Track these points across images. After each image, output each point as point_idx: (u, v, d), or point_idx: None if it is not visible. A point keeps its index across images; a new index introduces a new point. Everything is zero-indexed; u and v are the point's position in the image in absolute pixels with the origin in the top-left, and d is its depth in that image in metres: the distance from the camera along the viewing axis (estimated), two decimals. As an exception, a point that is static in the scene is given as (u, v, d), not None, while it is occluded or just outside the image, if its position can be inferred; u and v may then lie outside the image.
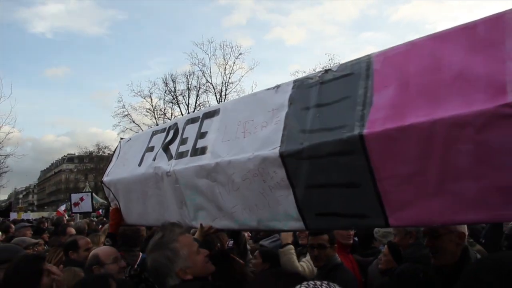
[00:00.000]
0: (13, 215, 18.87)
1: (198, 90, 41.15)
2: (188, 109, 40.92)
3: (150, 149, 3.33)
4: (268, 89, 2.61)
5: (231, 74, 40.62)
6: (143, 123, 40.98)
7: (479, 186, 1.64)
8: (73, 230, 6.38)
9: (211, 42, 40.44)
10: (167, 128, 3.30)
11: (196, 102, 41.21)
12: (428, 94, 1.74)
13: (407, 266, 2.72)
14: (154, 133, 3.44)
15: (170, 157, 3.06)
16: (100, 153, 52.62)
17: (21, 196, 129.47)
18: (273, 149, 2.27)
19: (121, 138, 4.16)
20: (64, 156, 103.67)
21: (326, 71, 2.27)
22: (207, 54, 41.15)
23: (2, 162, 32.22)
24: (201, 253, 2.28)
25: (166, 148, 3.15)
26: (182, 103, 41.69)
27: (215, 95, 40.66)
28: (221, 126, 2.77)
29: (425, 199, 1.80)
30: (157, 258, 2.19)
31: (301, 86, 2.36)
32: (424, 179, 1.76)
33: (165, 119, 40.02)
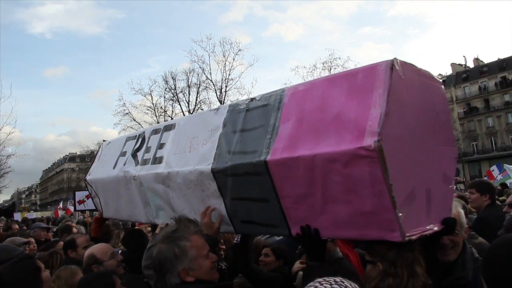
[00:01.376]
0: (17, 216, 18.65)
1: (199, 87, 40.49)
2: (188, 106, 40.70)
3: (123, 154, 3.65)
4: (211, 110, 2.88)
5: (231, 71, 39.86)
6: (144, 121, 40.53)
7: (348, 210, 1.90)
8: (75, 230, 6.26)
9: (210, 39, 39.97)
10: (137, 136, 3.61)
11: (196, 99, 40.72)
12: (314, 130, 1.99)
13: None
14: (128, 139, 3.75)
15: (136, 163, 3.38)
16: (102, 152, 53.29)
17: (23, 196, 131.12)
18: (208, 165, 2.56)
19: (104, 141, 4.48)
20: (66, 155, 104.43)
21: (252, 99, 2.52)
22: (207, 51, 40.74)
23: (4, 163, 32.69)
24: (209, 258, 2.10)
25: (134, 154, 3.46)
26: (183, 101, 41.21)
27: (215, 92, 40.01)
28: (175, 139, 3.06)
29: (314, 217, 2.07)
30: (164, 251, 2.01)
31: (233, 111, 2.62)
32: (312, 200, 2.03)
33: (166, 117, 39.78)
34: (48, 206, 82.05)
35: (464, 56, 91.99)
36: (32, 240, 5.34)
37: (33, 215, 21.94)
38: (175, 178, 2.88)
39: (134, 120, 40.09)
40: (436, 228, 2.03)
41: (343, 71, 2.12)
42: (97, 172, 3.96)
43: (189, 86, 40.72)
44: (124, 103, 40.13)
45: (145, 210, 3.37)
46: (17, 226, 10.09)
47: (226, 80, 39.76)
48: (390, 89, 1.79)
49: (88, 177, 4.03)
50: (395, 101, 1.82)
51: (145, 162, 3.29)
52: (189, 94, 41.00)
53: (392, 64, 1.84)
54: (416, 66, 2.04)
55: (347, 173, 1.83)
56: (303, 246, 2.54)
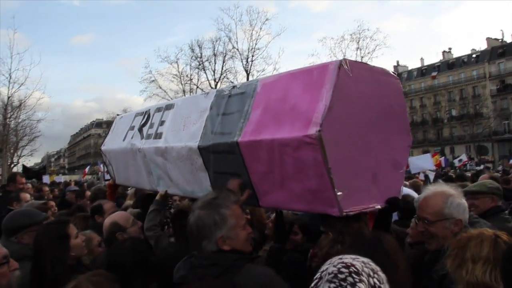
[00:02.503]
0: (46, 178, 18.83)
1: (225, 56, 40.34)
2: (214, 75, 40.70)
3: (131, 128, 4.08)
4: (202, 93, 3.22)
5: (258, 40, 39.52)
6: (170, 89, 40.93)
7: (300, 187, 2.24)
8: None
9: (237, 7, 39.32)
10: (144, 113, 4.01)
11: (222, 68, 40.65)
12: (275, 118, 2.31)
13: None
14: (136, 115, 4.17)
15: (142, 137, 3.80)
16: (128, 118, 53.77)
17: (53, 159, 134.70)
18: (195, 142, 2.93)
19: (118, 115, 4.92)
20: (93, 121, 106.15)
21: (233, 87, 2.85)
22: (233, 19, 40.39)
23: (35, 127, 33.97)
24: (246, 229, 2.10)
25: (140, 129, 3.88)
26: (209, 69, 41.13)
27: (241, 61, 39.97)
28: (173, 118, 3.44)
29: (276, 191, 2.43)
30: (203, 217, 2.00)
31: (219, 96, 2.95)
32: (273, 177, 2.38)
33: (191, 85, 40.22)
34: (76, 170, 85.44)
35: (501, 30, 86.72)
36: (53, 203, 5.71)
37: (61, 178, 22.99)
38: (171, 152, 3.27)
39: (160, 88, 40.60)
40: (378, 206, 2.33)
41: (303, 68, 2.40)
42: (110, 143, 4.43)
43: (215, 55, 40.73)
44: (150, 71, 40.62)
45: (149, 179, 3.81)
46: (47, 188, 10.61)
47: (253, 49, 39.67)
48: (336, 85, 2.07)
49: (103, 147, 4.51)
50: (341, 96, 2.10)
51: (148, 136, 3.70)
52: (215, 63, 41.06)
53: (340, 64, 2.11)
54: (368, 65, 2.30)
55: (297, 156, 2.15)
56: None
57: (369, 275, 1.35)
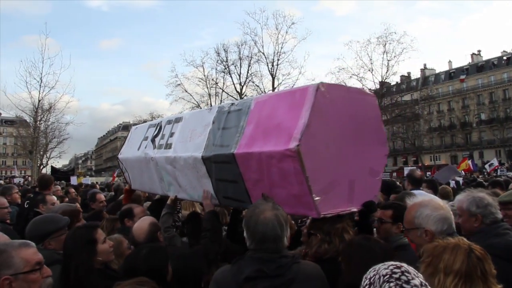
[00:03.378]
0: (74, 180, 19.47)
1: (250, 60, 41.28)
2: (240, 79, 41.58)
3: (145, 138, 4.56)
4: (207, 109, 3.66)
5: (283, 44, 40.39)
6: (196, 93, 42.18)
7: (285, 192, 2.63)
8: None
9: (263, 11, 39.87)
10: (156, 124, 4.49)
11: (248, 72, 41.48)
12: (264, 133, 2.72)
13: None
14: (150, 126, 4.66)
15: (154, 147, 4.27)
16: (154, 122, 54.74)
17: (80, 161, 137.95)
18: (199, 153, 3.37)
19: (133, 126, 5.42)
20: (120, 124, 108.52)
21: (232, 104, 3.27)
22: (259, 23, 41.11)
23: (63, 130, 35.50)
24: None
25: (153, 139, 4.36)
26: (234, 73, 42.06)
27: (267, 65, 40.74)
28: (181, 130, 3.89)
29: (269, 195, 2.82)
30: (280, 217, 2.26)
31: (220, 111, 3.39)
32: (263, 183, 2.78)
33: (217, 89, 41.34)
34: (103, 172, 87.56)
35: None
36: (77, 206, 5.70)
37: (89, 180, 23.82)
38: (179, 161, 3.72)
39: (186, 91, 41.86)
40: (354, 209, 2.70)
41: (288, 89, 2.80)
42: (126, 152, 4.93)
43: (240, 59, 41.71)
44: (176, 74, 42.84)
45: (161, 185, 4.28)
46: (73, 190, 10.84)
47: (278, 53, 40.55)
48: (313, 105, 2.46)
49: (120, 156, 5.02)
50: (318, 114, 2.49)
51: (160, 146, 4.17)
52: (240, 67, 42.04)
53: (317, 87, 2.50)
54: (345, 86, 2.69)
55: (281, 166, 2.55)
56: None
57: (415, 275, 1.55)
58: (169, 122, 4.26)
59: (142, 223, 3.38)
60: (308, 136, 2.42)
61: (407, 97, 50.75)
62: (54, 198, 5.79)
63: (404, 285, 1.48)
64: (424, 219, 2.56)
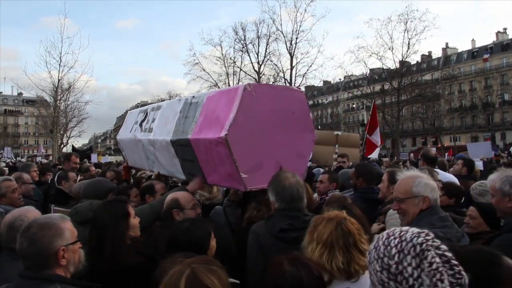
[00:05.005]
0: (94, 158, 20.12)
1: (268, 39, 41.24)
2: (258, 57, 41.58)
3: (136, 122, 5.30)
4: (178, 99, 4.34)
5: (302, 22, 40.20)
6: (213, 71, 42.45)
7: (223, 170, 3.31)
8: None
9: None
10: (144, 111, 5.21)
11: (266, 51, 41.42)
12: (208, 123, 3.37)
13: None
14: (140, 112, 5.38)
15: (141, 130, 5.00)
16: (172, 101, 54.00)
17: (99, 140, 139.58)
18: (169, 137, 4.06)
19: (129, 110, 6.16)
20: (138, 103, 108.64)
21: (193, 97, 3.93)
22: (278, 1, 40.77)
23: (83, 109, 36.40)
24: None
25: (140, 124, 5.09)
26: (252, 52, 42.10)
27: (285, 44, 40.57)
28: (160, 117, 4.59)
29: (213, 173, 3.51)
30: (301, 183, 2.94)
31: (185, 102, 4.05)
32: (210, 163, 3.45)
33: (234, 68, 41.58)
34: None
35: None
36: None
37: (108, 158, 24.63)
38: (157, 143, 4.43)
39: (204, 70, 42.08)
40: None
41: (227, 88, 3.42)
42: (122, 133, 5.70)
43: (258, 37, 41.66)
44: (194, 53, 43.28)
45: (147, 162, 5.02)
46: (94, 168, 10.87)
47: (297, 31, 40.21)
48: (240, 102, 3.09)
49: (117, 137, 5.80)
50: (245, 109, 3.11)
51: (145, 130, 4.89)
52: (258, 46, 41.98)
53: (244, 87, 3.13)
54: (271, 85, 3.32)
55: (217, 150, 3.21)
56: None
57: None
58: (153, 109, 4.97)
59: (168, 197, 3.45)
60: (235, 127, 3.06)
61: (427, 77, 49.61)
62: (75, 174, 5.94)
63: (446, 253, 1.41)
64: (423, 187, 2.73)
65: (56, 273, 2.07)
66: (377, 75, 44.82)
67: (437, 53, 58.75)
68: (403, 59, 39.36)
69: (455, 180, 5.11)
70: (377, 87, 47.60)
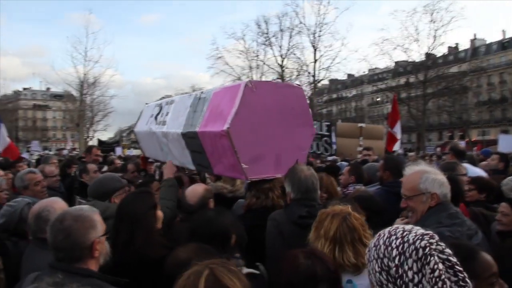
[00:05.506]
0: (119, 150, 20.56)
1: (291, 32, 40.68)
2: (281, 50, 41.21)
3: (151, 115, 5.62)
4: (189, 94, 4.61)
5: (325, 15, 39.31)
6: (237, 65, 42.30)
7: (226, 161, 3.56)
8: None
9: None
10: (160, 105, 5.52)
11: (289, 44, 40.94)
12: (214, 117, 3.63)
13: None
14: (155, 105, 5.69)
15: (156, 123, 5.32)
16: (195, 95, 53.38)
17: (124, 134, 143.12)
18: (180, 130, 4.34)
19: (146, 104, 6.49)
20: (162, 97, 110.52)
21: (202, 92, 4.19)
22: None
23: (108, 103, 37.19)
24: None
25: (156, 117, 5.40)
26: (275, 45, 41.61)
27: (308, 37, 40.06)
28: (173, 111, 4.88)
29: (218, 164, 3.77)
30: (315, 174, 3.21)
31: (195, 98, 4.31)
32: (215, 154, 3.72)
33: (258, 61, 41.44)
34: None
35: None
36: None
37: (132, 152, 25.20)
38: (169, 135, 4.73)
39: (227, 64, 41.94)
40: (279, 175, 3.57)
41: (231, 84, 3.65)
42: (139, 126, 6.04)
43: (281, 30, 41.17)
44: (217, 47, 41.99)
45: (162, 153, 5.34)
46: (118, 161, 10.81)
47: (320, 24, 39.59)
48: (242, 98, 3.33)
49: (135, 129, 6.15)
50: (246, 105, 3.34)
51: (159, 123, 5.20)
52: (281, 39, 41.48)
53: (246, 84, 3.36)
54: (272, 82, 3.50)
55: (221, 142, 3.46)
56: None
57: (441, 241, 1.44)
58: (167, 103, 5.27)
59: (197, 187, 3.55)
60: (237, 121, 3.30)
61: (454, 69, 48.13)
62: (95, 166, 6.07)
63: (450, 257, 1.36)
64: (431, 183, 2.62)
65: (88, 265, 2.09)
66: (402, 68, 43.99)
67: (464, 45, 56.93)
68: (429, 51, 38.57)
69: (484, 175, 5.04)
70: (402, 80, 46.62)
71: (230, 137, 3.27)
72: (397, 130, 10.56)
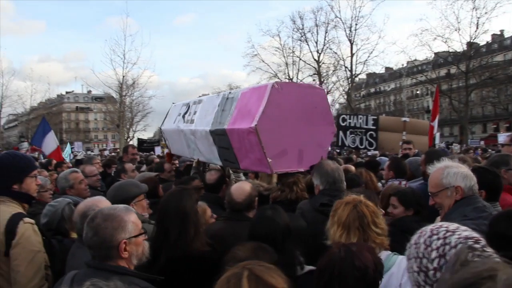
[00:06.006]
0: (158, 150, 20.74)
1: (327, 26, 40.68)
2: (317, 46, 41.35)
3: (178, 114, 6.01)
4: (216, 94, 4.96)
5: (361, 8, 39.01)
6: (273, 62, 42.40)
7: (253, 156, 3.91)
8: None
9: None
10: (187, 104, 5.89)
11: (325, 39, 41.01)
12: (242, 115, 4.00)
13: None
14: (183, 105, 6.08)
15: (183, 121, 5.70)
16: (233, 92, 54.06)
17: None
18: (208, 128, 4.70)
19: (173, 103, 6.87)
20: (199, 96, 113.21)
21: (230, 92, 4.53)
22: None
23: (147, 103, 38.26)
24: None
25: (183, 116, 5.80)
26: (311, 40, 41.80)
27: (345, 31, 39.80)
28: (200, 110, 5.27)
29: (244, 159, 4.12)
30: (340, 167, 3.66)
31: (223, 98, 4.69)
32: (242, 150, 4.08)
33: (294, 57, 41.70)
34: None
35: None
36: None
37: None
38: (197, 133, 5.11)
39: (263, 61, 42.40)
40: (301, 170, 3.87)
41: (258, 85, 3.97)
42: (166, 124, 6.45)
43: (317, 25, 41.34)
44: (252, 45, 44.36)
45: (188, 150, 5.72)
46: (157, 160, 10.32)
47: (356, 17, 39.38)
48: (269, 98, 3.66)
49: (162, 127, 6.55)
50: (272, 104, 3.70)
51: (187, 121, 5.59)
52: (317, 34, 41.68)
53: (273, 85, 3.68)
54: (296, 83, 3.82)
55: (249, 138, 3.81)
56: None
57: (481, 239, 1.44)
58: (194, 103, 5.65)
59: (244, 185, 3.54)
60: (264, 118, 3.66)
61: (499, 58, 46.15)
62: (132, 165, 6.34)
63: (484, 253, 1.34)
64: (453, 177, 2.69)
65: (119, 264, 2.13)
66: (442, 59, 42.79)
67: (510, 32, 55.24)
68: (471, 40, 36.80)
69: None
70: (443, 72, 45.51)
71: (257, 133, 3.61)
72: (435, 123, 10.39)
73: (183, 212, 2.77)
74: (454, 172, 2.72)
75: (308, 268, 2.52)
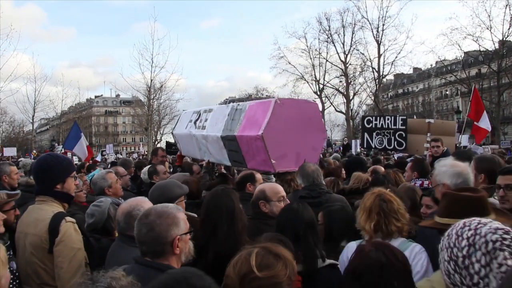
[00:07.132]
0: None
1: (354, 27, 40.57)
2: (343, 47, 41.68)
3: (190, 120, 7.10)
4: (226, 105, 5.92)
5: (388, 8, 38.78)
6: (299, 64, 42.76)
7: (259, 158, 4.96)
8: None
9: None
10: (198, 112, 6.85)
11: (351, 40, 41.08)
12: (250, 124, 5.01)
13: None
14: (193, 112, 7.09)
15: (195, 127, 6.68)
16: (259, 95, 51.41)
17: None
18: (219, 134, 5.66)
19: (183, 110, 7.79)
20: (226, 99, 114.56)
21: (238, 104, 5.48)
22: None
23: (174, 107, 40.16)
24: None
25: (194, 122, 6.87)
26: (338, 42, 41.85)
27: (372, 31, 39.75)
28: (211, 118, 6.34)
29: (252, 160, 5.10)
30: (319, 169, 5.15)
31: (232, 108, 5.74)
32: (250, 153, 5.11)
33: (320, 59, 42.18)
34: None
35: None
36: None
37: None
38: (209, 138, 6.18)
39: (289, 63, 42.58)
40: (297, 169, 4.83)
41: (262, 100, 4.93)
42: (178, 129, 7.50)
43: (343, 26, 41.25)
44: (279, 47, 42.97)
45: (199, 153, 6.81)
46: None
47: (383, 18, 38.98)
48: (272, 111, 4.65)
49: (174, 131, 7.53)
50: (275, 116, 4.78)
51: (199, 127, 6.65)
52: (344, 35, 41.70)
53: (275, 100, 4.63)
54: (294, 99, 4.76)
55: (256, 144, 4.85)
56: None
57: None
58: (205, 111, 6.70)
59: (276, 185, 3.83)
60: (268, 128, 4.73)
61: None
62: (163, 167, 6.53)
63: None
64: (442, 175, 3.08)
65: (169, 261, 2.28)
66: (473, 58, 42.35)
67: None
68: (504, 39, 35.64)
69: None
70: (473, 71, 45.30)
71: (263, 139, 4.61)
72: (485, 121, 10.44)
73: (231, 210, 2.98)
74: (443, 170, 3.16)
75: (329, 261, 2.80)
